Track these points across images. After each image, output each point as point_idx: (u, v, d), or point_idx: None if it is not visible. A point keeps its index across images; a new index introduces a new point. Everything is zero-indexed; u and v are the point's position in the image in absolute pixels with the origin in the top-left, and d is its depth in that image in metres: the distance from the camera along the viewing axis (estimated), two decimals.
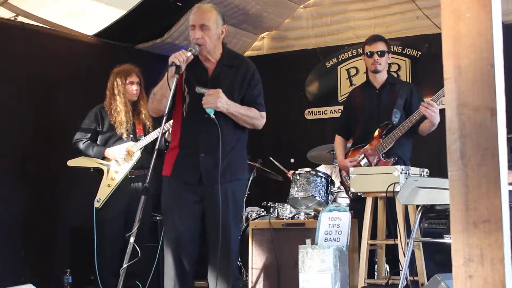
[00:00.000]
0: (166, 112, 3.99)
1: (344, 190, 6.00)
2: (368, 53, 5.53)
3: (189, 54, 4.10)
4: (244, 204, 4.48)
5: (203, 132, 4.22)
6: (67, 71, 7.18)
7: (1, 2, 6.50)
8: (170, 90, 3.99)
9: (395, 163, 5.29)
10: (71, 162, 6.10)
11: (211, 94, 4.12)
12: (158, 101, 4.22)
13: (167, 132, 5.64)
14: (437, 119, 5.18)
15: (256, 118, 4.36)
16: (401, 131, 5.30)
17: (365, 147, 5.52)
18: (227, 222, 4.20)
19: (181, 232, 4.24)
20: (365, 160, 5.48)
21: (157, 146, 3.95)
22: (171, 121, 5.51)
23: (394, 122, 5.38)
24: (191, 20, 4.27)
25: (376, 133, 5.47)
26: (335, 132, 5.93)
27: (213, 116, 4.11)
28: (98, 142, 6.08)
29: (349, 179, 5.42)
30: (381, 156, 5.40)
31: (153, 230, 6.49)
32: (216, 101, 4.10)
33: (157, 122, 6.11)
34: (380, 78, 5.60)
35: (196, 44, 4.19)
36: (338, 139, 5.85)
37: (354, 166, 5.41)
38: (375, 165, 5.39)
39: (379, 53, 5.49)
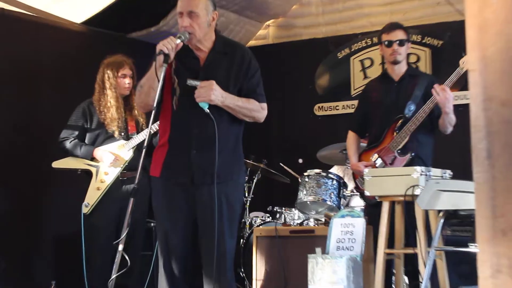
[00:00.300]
0: (154, 105, 3.98)
1: (358, 194, 6.00)
2: (386, 43, 5.52)
3: (178, 41, 4.09)
4: (241, 208, 4.45)
5: (195, 128, 4.21)
6: (52, 62, 7.18)
7: None
8: (159, 81, 3.98)
9: (412, 160, 5.28)
10: (56, 164, 6.10)
11: (203, 87, 4.12)
12: (146, 94, 4.22)
13: None
14: (449, 107, 5.18)
15: (257, 110, 4.34)
16: (415, 124, 5.30)
17: (378, 147, 5.52)
18: (221, 228, 4.20)
19: (173, 240, 4.26)
20: (380, 160, 5.48)
21: (145, 143, 3.95)
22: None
23: (407, 115, 5.37)
24: (179, 7, 4.27)
25: (389, 129, 5.47)
26: (348, 128, 5.91)
27: (208, 111, 4.11)
28: (86, 141, 6.06)
29: (363, 182, 5.42)
30: (396, 153, 5.39)
31: (148, 237, 6.49)
32: (210, 93, 4.08)
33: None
34: (399, 70, 5.59)
35: (186, 32, 4.19)
36: (351, 136, 5.83)
37: None
38: (391, 164, 5.39)
39: (398, 42, 5.49)
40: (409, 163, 5.27)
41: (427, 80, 5.55)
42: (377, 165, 5.46)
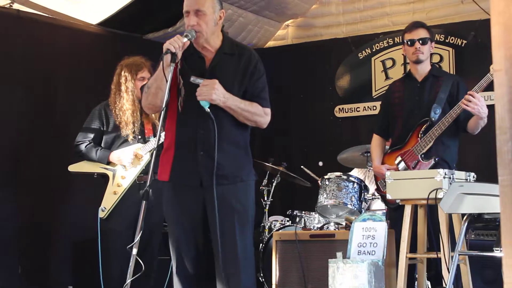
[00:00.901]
0: (164, 106, 3.95)
1: (379, 197, 5.97)
2: (409, 42, 5.51)
3: (185, 39, 4.07)
4: (254, 209, 4.43)
5: (201, 128, 4.20)
6: (68, 64, 7.21)
7: None
8: (167, 81, 3.97)
9: (435, 165, 5.26)
10: (72, 167, 6.10)
11: (206, 85, 4.11)
12: (154, 95, 4.20)
13: None
14: (484, 112, 5.15)
15: (259, 114, 4.31)
16: (441, 128, 5.27)
17: (402, 149, 5.49)
18: (231, 229, 4.20)
19: (184, 243, 4.27)
20: (403, 164, 5.45)
21: (156, 145, 3.95)
22: None
23: (433, 119, 5.35)
24: (185, 6, 4.27)
25: (414, 132, 5.44)
26: (373, 131, 5.90)
27: (208, 110, 4.10)
28: (102, 144, 6.06)
29: (385, 184, 5.39)
30: (419, 157, 5.37)
31: (165, 241, 6.48)
32: (211, 92, 4.07)
33: None
34: (422, 70, 5.57)
35: (193, 30, 4.18)
36: (376, 140, 5.82)
37: None
38: (414, 168, 5.37)
39: (421, 41, 5.47)
40: (433, 168, 5.24)
41: (451, 81, 5.52)
42: (399, 169, 5.43)
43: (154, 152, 3.94)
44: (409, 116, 5.54)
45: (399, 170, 5.42)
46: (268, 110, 4.36)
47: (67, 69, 7.20)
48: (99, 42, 7.57)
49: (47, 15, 7.14)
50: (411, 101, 5.57)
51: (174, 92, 4.27)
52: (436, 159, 5.32)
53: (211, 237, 4.25)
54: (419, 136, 5.40)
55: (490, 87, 6.82)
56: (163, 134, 5.50)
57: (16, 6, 6.84)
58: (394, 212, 5.52)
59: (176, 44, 4.00)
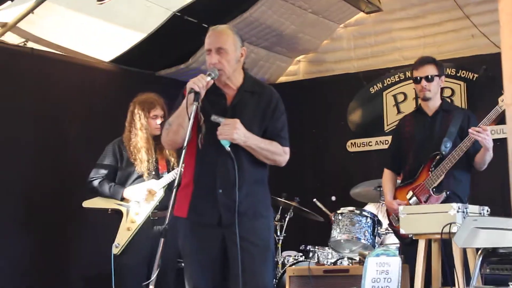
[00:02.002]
0: (185, 144, 3.96)
1: (392, 232, 5.95)
2: (417, 79, 5.53)
3: (208, 78, 4.09)
4: (274, 245, 4.42)
5: (221, 166, 4.20)
6: (81, 101, 7.26)
7: (9, 27, 6.61)
8: (189, 119, 3.99)
9: (447, 198, 5.25)
10: (86, 203, 6.11)
11: (227, 124, 4.11)
12: (174, 132, 4.22)
13: None
14: (490, 144, 5.15)
15: (278, 153, 4.32)
16: (451, 162, 5.28)
17: (413, 183, 5.49)
18: (253, 267, 4.18)
19: (201, 281, 4.22)
20: (414, 199, 5.45)
21: (176, 183, 3.95)
22: None
23: (443, 152, 5.35)
24: (207, 44, 4.28)
25: (425, 166, 5.45)
26: (383, 165, 5.90)
27: (229, 149, 4.11)
28: (116, 181, 6.09)
29: (398, 220, 5.39)
30: (431, 191, 5.37)
31: (179, 277, 6.47)
32: (232, 132, 4.08)
33: None
34: (432, 105, 5.58)
35: (215, 68, 4.20)
36: (387, 174, 5.82)
37: None
38: (425, 202, 5.36)
39: (428, 77, 5.49)
40: (445, 202, 5.23)
41: (462, 115, 5.53)
42: (411, 203, 5.43)
43: (175, 190, 3.93)
44: (419, 150, 5.54)
45: (410, 205, 5.41)
46: (287, 149, 4.37)
47: (79, 106, 7.24)
48: (112, 79, 7.62)
49: (60, 53, 7.20)
50: (421, 135, 5.58)
51: (194, 129, 4.24)
52: (448, 192, 5.31)
53: (230, 275, 4.23)
54: (430, 170, 5.40)
55: (502, 120, 6.84)
56: (176, 170, 5.54)
57: (30, 44, 6.91)
58: (407, 247, 5.50)
59: (200, 83, 4.02)
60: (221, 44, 4.21)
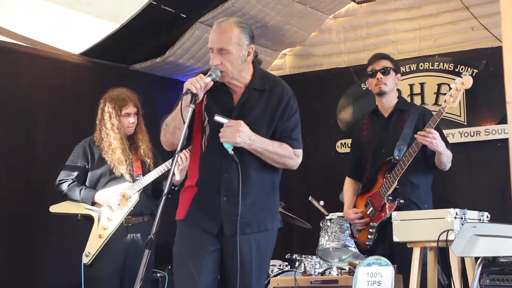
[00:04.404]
0: (178, 149, 3.94)
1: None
2: (370, 73, 5.61)
3: (208, 79, 4.04)
4: (270, 258, 4.42)
5: (225, 171, 4.17)
6: (49, 97, 7.23)
7: None
8: (184, 122, 3.95)
9: (402, 207, 5.27)
10: (54, 208, 6.09)
11: (230, 126, 4.08)
12: (171, 133, 4.20)
13: (177, 170, 5.65)
14: (440, 147, 5.22)
15: (289, 156, 4.29)
16: (402, 167, 5.32)
17: (371, 191, 5.55)
18: (249, 282, 4.17)
19: (195, 285, 4.19)
20: (371, 208, 5.52)
21: (166, 190, 3.89)
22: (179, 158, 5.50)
23: (397, 157, 5.38)
24: (209, 41, 4.21)
25: (380, 172, 5.49)
26: (346, 173, 5.97)
27: (232, 152, 4.08)
28: (87, 183, 6.05)
29: (358, 230, 5.58)
30: (385, 199, 5.39)
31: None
32: (235, 135, 4.05)
33: (159, 158, 6.10)
34: (388, 104, 5.66)
35: (217, 69, 4.13)
36: (347, 182, 5.96)
37: (361, 218, 5.54)
38: (381, 211, 5.42)
39: (384, 70, 5.57)
40: (397, 211, 5.24)
41: (417, 113, 5.58)
42: (368, 213, 5.51)
43: (164, 197, 3.87)
44: (376, 155, 5.60)
45: (369, 216, 5.47)
46: (299, 152, 4.33)
47: (47, 102, 7.20)
48: (82, 73, 7.59)
49: (26, 45, 7.17)
50: (376, 139, 5.64)
51: (199, 129, 4.25)
52: (401, 201, 5.33)
53: (224, 283, 4.24)
54: (385, 176, 5.43)
55: (504, 120, 6.87)
56: (162, 170, 5.52)
57: None
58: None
59: (198, 84, 3.98)
60: (223, 45, 4.14)
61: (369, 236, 5.49)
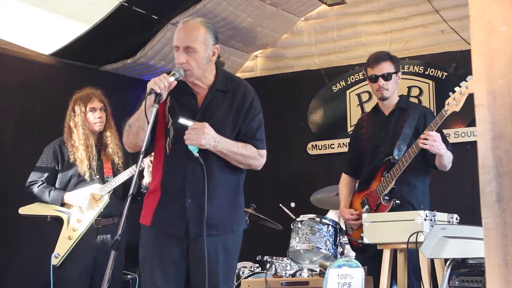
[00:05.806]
0: (143, 149, 3.92)
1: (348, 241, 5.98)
2: (372, 77, 5.55)
3: (172, 79, 4.03)
4: (237, 258, 4.43)
5: (190, 174, 4.17)
6: (18, 98, 7.18)
7: None
8: (148, 122, 3.94)
9: (398, 207, 5.28)
10: (23, 210, 6.05)
11: (195, 129, 4.08)
12: (134, 134, 4.18)
13: (147, 172, 5.63)
14: (442, 150, 5.19)
15: (253, 157, 4.30)
16: (400, 168, 5.29)
17: (367, 189, 5.55)
18: (216, 283, 4.17)
19: None
20: (366, 206, 5.51)
21: (131, 191, 3.88)
22: (146, 159, 5.50)
23: (396, 157, 5.37)
24: (175, 40, 4.20)
25: (378, 171, 5.49)
26: (342, 170, 5.95)
27: (197, 154, 4.08)
28: (57, 185, 6.02)
29: (352, 228, 5.48)
30: (381, 199, 5.40)
31: None
32: (200, 138, 4.04)
33: (129, 159, 6.09)
34: (389, 103, 5.61)
35: (181, 68, 4.14)
36: (343, 179, 5.88)
37: (357, 218, 5.50)
38: (376, 210, 5.40)
39: (385, 75, 5.51)
40: (395, 211, 5.25)
41: (418, 113, 5.53)
42: (363, 211, 5.49)
43: (129, 198, 3.81)
44: (375, 153, 5.58)
45: (363, 213, 5.49)
46: (264, 152, 4.35)
47: (16, 103, 7.16)
48: (53, 74, 7.55)
49: None
50: (376, 137, 5.61)
51: (162, 130, 4.24)
52: (396, 201, 5.33)
53: (192, 286, 4.22)
54: (383, 175, 5.43)
55: (473, 122, 6.91)
56: (132, 171, 5.50)
57: None
58: (359, 256, 5.56)
59: (161, 84, 3.96)
60: (189, 43, 4.13)
61: (362, 235, 5.47)
